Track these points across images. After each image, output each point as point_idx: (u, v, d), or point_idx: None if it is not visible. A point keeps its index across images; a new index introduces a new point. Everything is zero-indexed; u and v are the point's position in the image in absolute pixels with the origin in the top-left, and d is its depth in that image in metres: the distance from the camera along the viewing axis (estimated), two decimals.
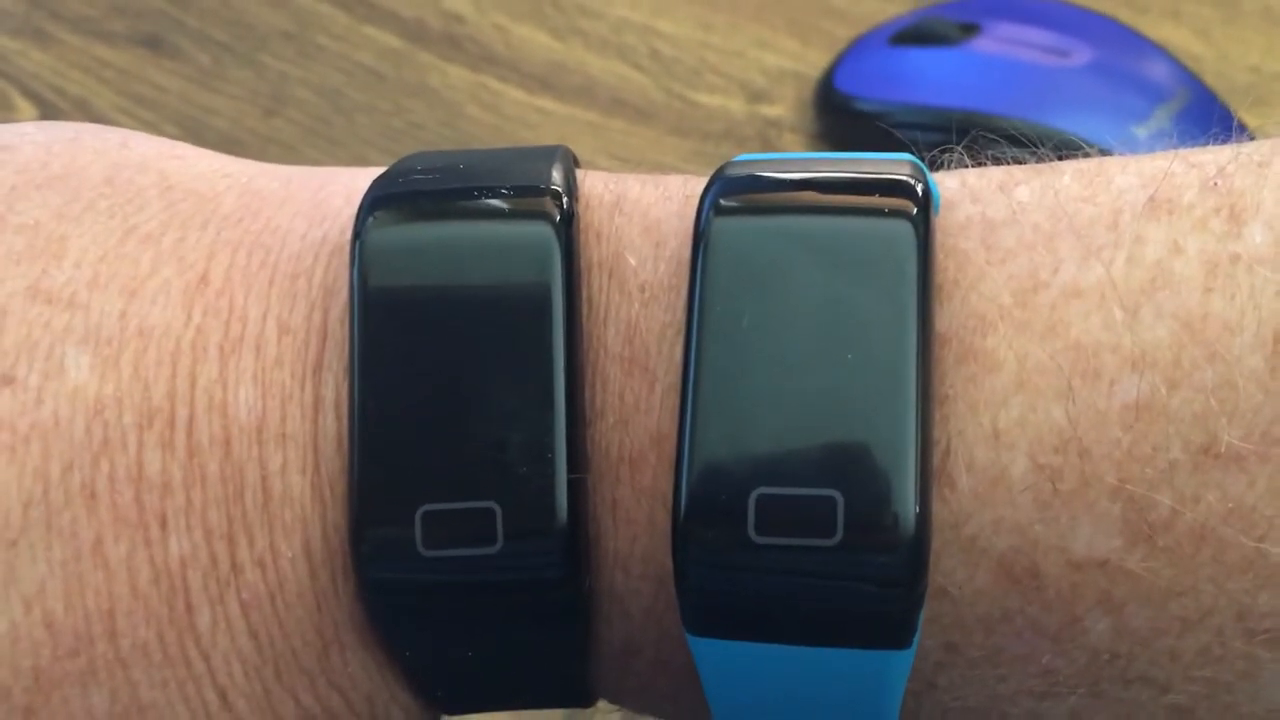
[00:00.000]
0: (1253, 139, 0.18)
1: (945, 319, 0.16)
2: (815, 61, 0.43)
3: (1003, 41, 0.40)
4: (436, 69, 0.43)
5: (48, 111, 0.42)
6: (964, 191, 0.17)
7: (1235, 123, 0.38)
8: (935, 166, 0.18)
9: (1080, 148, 0.18)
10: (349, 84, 0.43)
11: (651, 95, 0.42)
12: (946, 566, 0.16)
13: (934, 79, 0.41)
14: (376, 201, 0.17)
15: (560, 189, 0.17)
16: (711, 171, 0.17)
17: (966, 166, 0.18)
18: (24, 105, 0.42)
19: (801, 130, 0.42)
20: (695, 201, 0.17)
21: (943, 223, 0.17)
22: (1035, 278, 0.16)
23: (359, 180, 0.19)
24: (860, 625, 0.16)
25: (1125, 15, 0.42)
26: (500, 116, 0.42)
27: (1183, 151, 0.17)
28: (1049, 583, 0.16)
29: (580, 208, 0.18)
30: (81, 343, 0.17)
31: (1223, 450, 0.15)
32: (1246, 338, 0.15)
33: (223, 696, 0.17)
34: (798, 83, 0.42)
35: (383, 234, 0.17)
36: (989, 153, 0.18)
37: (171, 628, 0.16)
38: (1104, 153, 0.18)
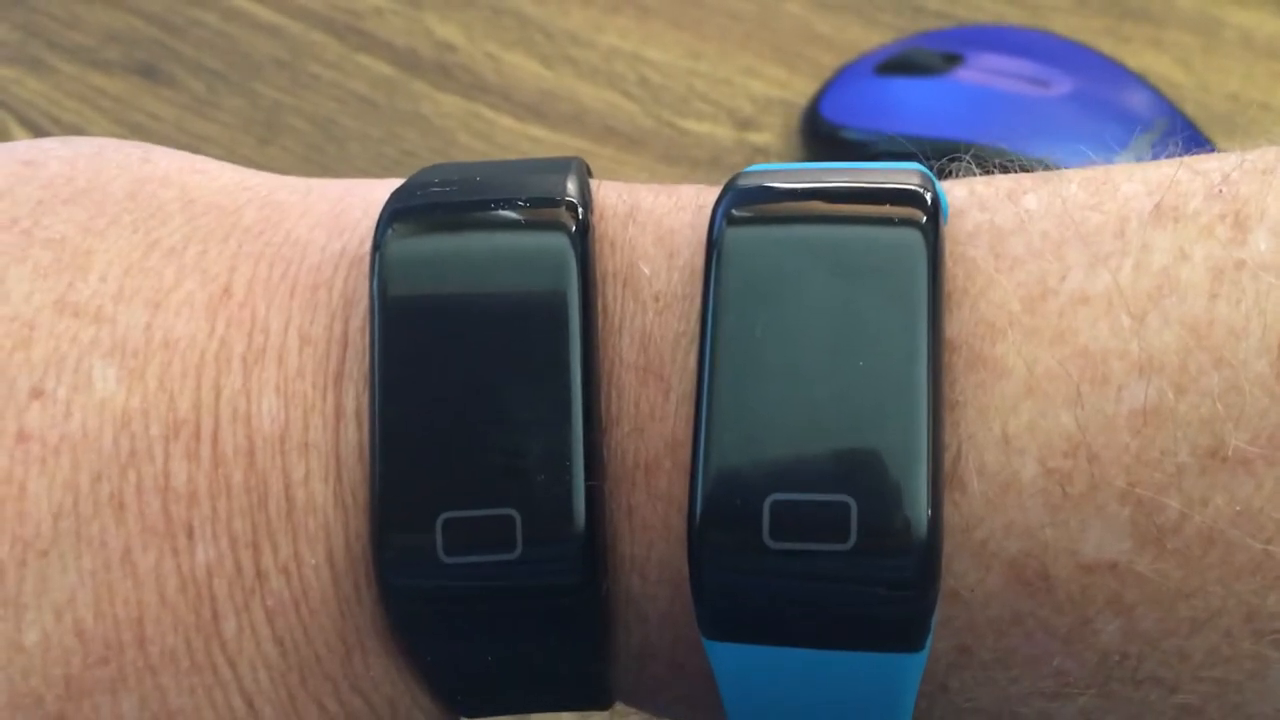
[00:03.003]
0: None
1: (955, 326, 0.17)
2: (802, 89, 0.43)
3: (985, 72, 0.41)
4: (429, 97, 0.44)
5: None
6: (972, 199, 0.18)
7: (1214, 151, 0.39)
8: (943, 175, 0.19)
9: None
10: (342, 112, 0.43)
11: (641, 123, 0.43)
12: (958, 570, 0.16)
13: (918, 109, 0.41)
14: (395, 214, 0.17)
15: (575, 200, 0.18)
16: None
17: (975, 175, 0.19)
18: (20, 134, 0.42)
19: (788, 158, 0.42)
20: (707, 211, 0.17)
21: (952, 231, 0.17)
22: (1044, 285, 0.16)
23: (377, 192, 0.19)
24: (874, 628, 0.16)
25: (1108, 44, 0.43)
26: (492, 144, 0.42)
27: (1188, 159, 0.18)
28: (1059, 585, 0.16)
29: (595, 218, 0.18)
30: (108, 355, 0.17)
31: (1230, 454, 0.16)
32: (1252, 343, 0.16)
33: (249, 702, 0.17)
34: (785, 110, 0.43)
35: (402, 245, 0.17)
36: (995, 161, 0.19)
37: (198, 635, 0.17)
38: None
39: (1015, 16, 0.45)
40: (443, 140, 0.43)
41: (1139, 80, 0.41)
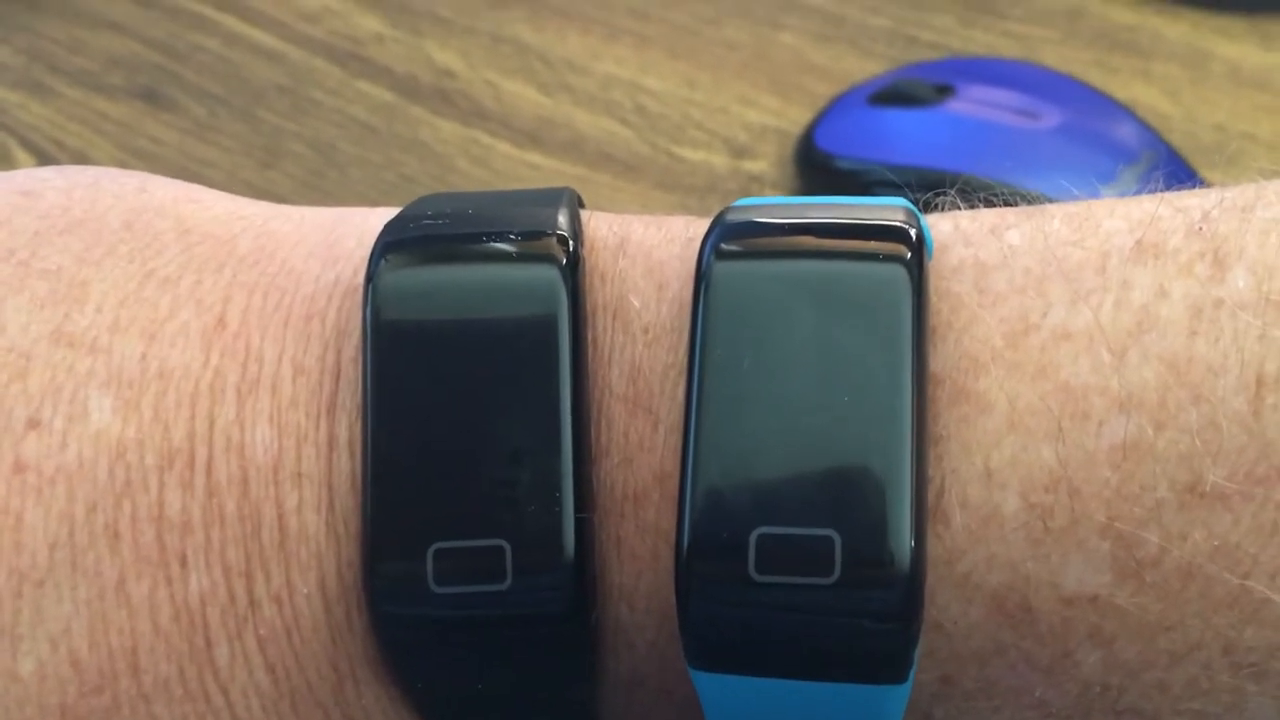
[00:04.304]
0: None
1: (939, 360, 0.17)
2: (796, 118, 0.43)
3: (975, 103, 0.41)
4: (428, 123, 0.44)
5: (46, 164, 0.43)
6: (957, 235, 0.18)
7: (1199, 183, 0.39)
8: (928, 209, 0.19)
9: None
10: (342, 137, 0.44)
11: (637, 150, 0.43)
12: (941, 602, 0.16)
13: (910, 139, 0.41)
14: (388, 245, 0.18)
15: (566, 233, 0.18)
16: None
17: (959, 209, 0.19)
18: (23, 158, 0.43)
19: (783, 186, 0.42)
20: (697, 244, 0.18)
21: (936, 266, 0.17)
22: (1026, 320, 0.17)
23: (371, 221, 0.19)
24: (858, 660, 0.16)
25: (1096, 75, 0.43)
26: (490, 170, 0.43)
27: (1169, 195, 0.18)
28: (1041, 617, 0.16)
29: (585, 250, 0.18)
30: (104, 386, 0.17)
31: (1208, 489, 0.16)
32: (1230, 380, 0.16)
33: None
34: (779, 139, 0.43)
35: (394, 277, 0.17)
36: (980, 195, 0.19)
37: (192, 663, 0.17)
38: None
39: (1006, 48, 0.45)
40: (441, 166, 0.43)
41: (1126, 112, 0.41)
